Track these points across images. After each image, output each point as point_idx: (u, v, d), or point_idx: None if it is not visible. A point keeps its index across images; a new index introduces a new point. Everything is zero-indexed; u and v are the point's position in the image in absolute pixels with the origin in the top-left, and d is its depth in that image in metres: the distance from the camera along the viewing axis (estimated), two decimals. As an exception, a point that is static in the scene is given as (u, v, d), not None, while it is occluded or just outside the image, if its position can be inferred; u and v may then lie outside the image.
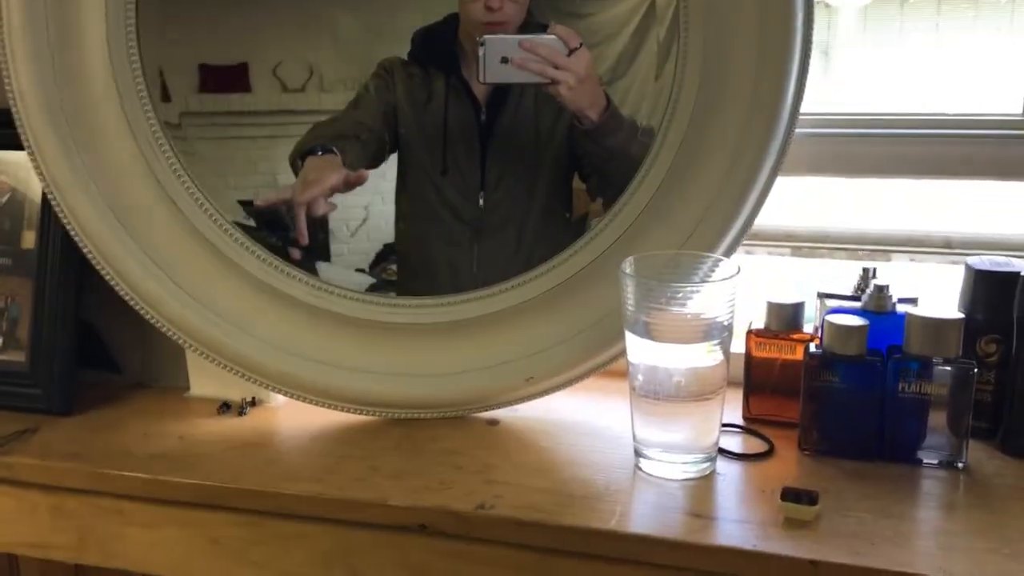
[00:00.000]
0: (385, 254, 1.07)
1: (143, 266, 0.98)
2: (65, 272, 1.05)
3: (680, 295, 0.85)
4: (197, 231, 0.99)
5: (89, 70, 0.97)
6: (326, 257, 1.05)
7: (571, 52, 0.93)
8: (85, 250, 0.98)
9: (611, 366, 0.99)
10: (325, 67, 1.02)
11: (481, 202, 1.02)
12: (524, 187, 1.03)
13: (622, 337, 0.93)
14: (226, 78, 1.03)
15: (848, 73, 1.09)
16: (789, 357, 0.96)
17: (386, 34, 1.02)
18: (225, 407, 1.06)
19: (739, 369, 0.99)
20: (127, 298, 0.99)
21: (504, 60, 0.93)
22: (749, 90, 0.91)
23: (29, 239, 1.07)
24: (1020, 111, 0.97)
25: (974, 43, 1.04)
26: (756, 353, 0.98)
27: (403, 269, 1.06)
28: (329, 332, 1.01)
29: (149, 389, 1.14)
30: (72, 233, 0.98)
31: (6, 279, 1.08)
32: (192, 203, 0.99)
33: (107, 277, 0.99)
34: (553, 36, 0.93)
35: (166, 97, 1.01)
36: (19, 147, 0.98)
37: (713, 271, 0.90)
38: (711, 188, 0.94)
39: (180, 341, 1.00)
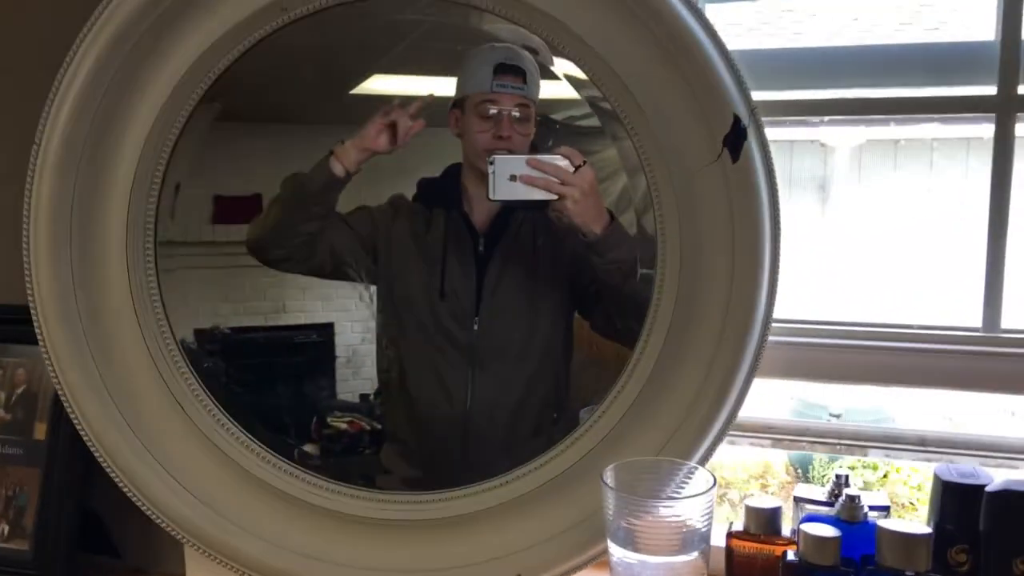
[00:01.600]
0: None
1: (147, 466, 1.03)
2: (72, 465, 1.10)
3: (659, 506, 0.89)
4: (203, 435, 1.04)
5: (107, 278, 1.04)
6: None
7: (576, 169, 0.99)
8: (92, 449, 1.03)
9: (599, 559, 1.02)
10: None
11: (475, 327, 1.06)
12: (521, 315, 1.07)
13: (604, 537, 0.96)
14: (240, 208, 1.08)
15: (843, 209, 1.13)
16: (769, 557, 0.99)
17: (391, 172, 1.07)
18: (220, 599, 1.09)
19: (719, 562, 1.01)
20: (130, 495, 1.03)
21: (512, 178, 0.98)
22: (722, 305, 0.97)
23: (40, 430, 1.12)
24: (980, 325, 1.03)
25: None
26: (737, 555, 1.00)
27: (390, 399, 1.09)
28: (322, 527, 1.04)
29: (147, 575, 1.16)
30: (80, 431, 1.03)
31: (15, 469, 1.12)
32: (200, 409, 1.04)
33: (113, 475, 1.03)
34: (559, 155, 0.99)
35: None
36: (35, 341, 1.04)
37: (690, 480, 0.93)
38: (690, 392, 0.99)
39: (179, 537, 1.04)
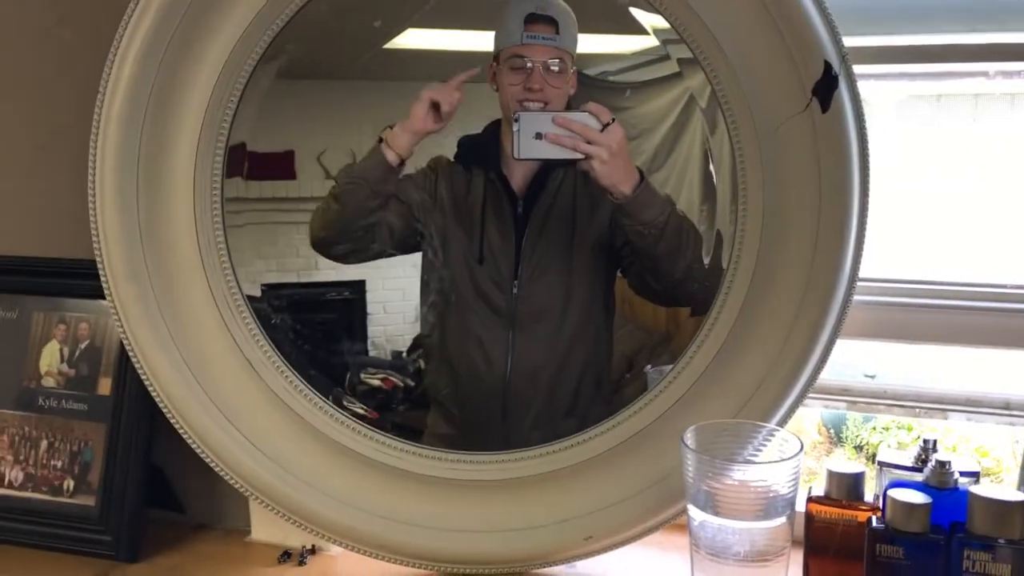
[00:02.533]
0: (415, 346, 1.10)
1: (215, 421, 1.01)
2: (138, 419, 1.09)
3: (742, 472, 0.86)
4: (270, 389, 1.02)
5: (175, 232, 1.02)
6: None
7: (604, 127, 0.95)
8: (159, 403, 1.02)
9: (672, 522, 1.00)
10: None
11: (515, 291, 1.04)
12: (560, 277, 1.04)
13: (681, 497, 0.94)
14: (272, 165, 1.07)
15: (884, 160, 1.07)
16: (851, 523, 0.96)
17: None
18: (285, 556, 1.08)
19: (798, 527, 0.98)
20: (198, 450, 1.02)
21: (538, 136, 0.95)
22: (806, 263, 0.94)
23: (105, 385, 1.11)
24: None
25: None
26: (817, 517, 0.98)
27: (431, 363, 1.09)
28: (391, 487, 1.03)
29: (212, 531, 1.16)
30: (148, 386, 1.02)
31: (81, 424, 1.11)
32: (268, 365, 1.03)
33: (180, 430, 1.02)
34: (586, 112, 0.95)
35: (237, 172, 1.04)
36: (100, 295, 1.03)
37: (776, 444, 0.90)
38: (770, 354, 0.96)
39: (245, 492, 1.03)
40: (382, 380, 1.09)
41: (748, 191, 0.95)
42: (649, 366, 1.05)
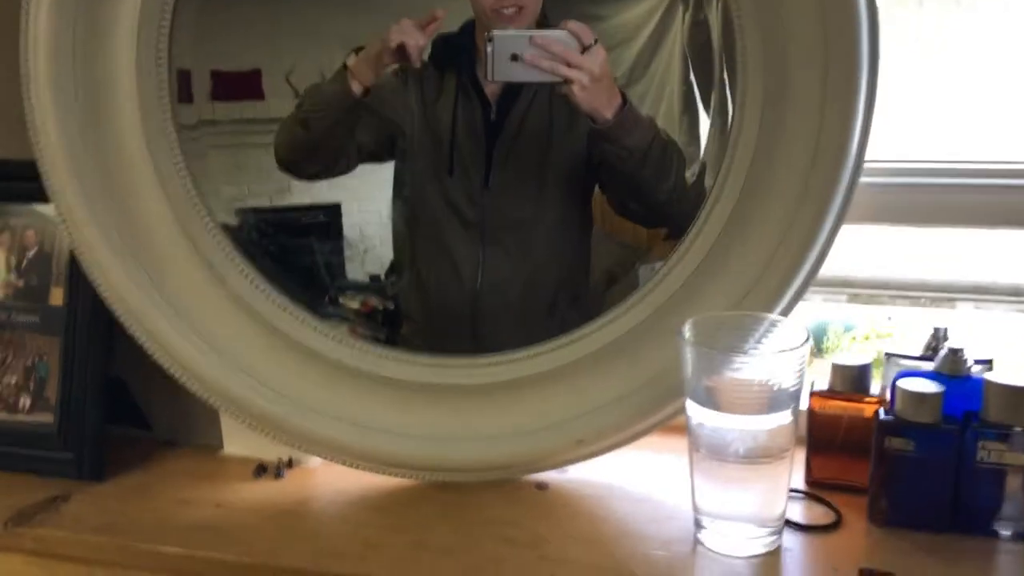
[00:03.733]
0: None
1: (177, 330, 0.94)
2: (95, 330, 1.01)
3: (744, 364, 0.80)
4: (233, 293, 0.95)
5: (119, 124, 0.93)
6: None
7: (585, 49, 0.87)
8: (116, 311, 0.95)
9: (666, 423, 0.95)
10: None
11: (485, 201, 0.99)
12: (532, 190, 0.99)
13: (677, 397, 0.89)
14: (239, 85, 1.03)
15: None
16: (856, 416, 0.91)
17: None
18: (261, 470, 1.02)
19: (801, 424, 0.94)
20: (161, 361, 0.95)
21: (514, 57, 0.88)
22: (812, 136, 0.87)
23: (57, 296, 1.03)
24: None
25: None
26: (820, 412, 0.93)
27: (402, 278, 1.05)
28: (367, 393, 0.97)
29: (181, 448, 1.10)
30: (102, 293, 0.94)
31: (33, 337, 1.04)
32: (231, 267, 0.95)
33: (139, 339, 0.95)
34: (565, 32, 0.87)
35: (186, 99, 0.99)
36: (45, 199, 0.95)
37: (778, 334, 0.85)
38: (771, 241, 0.89)
39: (214, 404, 0.96)
40: (360, 303, 1.07)
41: (747, 59, 0.87)
42: (640, 265, 0.99)
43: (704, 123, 0.98)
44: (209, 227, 0.96)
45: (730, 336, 0.86)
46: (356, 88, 0.95)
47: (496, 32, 0.88)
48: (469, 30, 0.97)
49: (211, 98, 1.02)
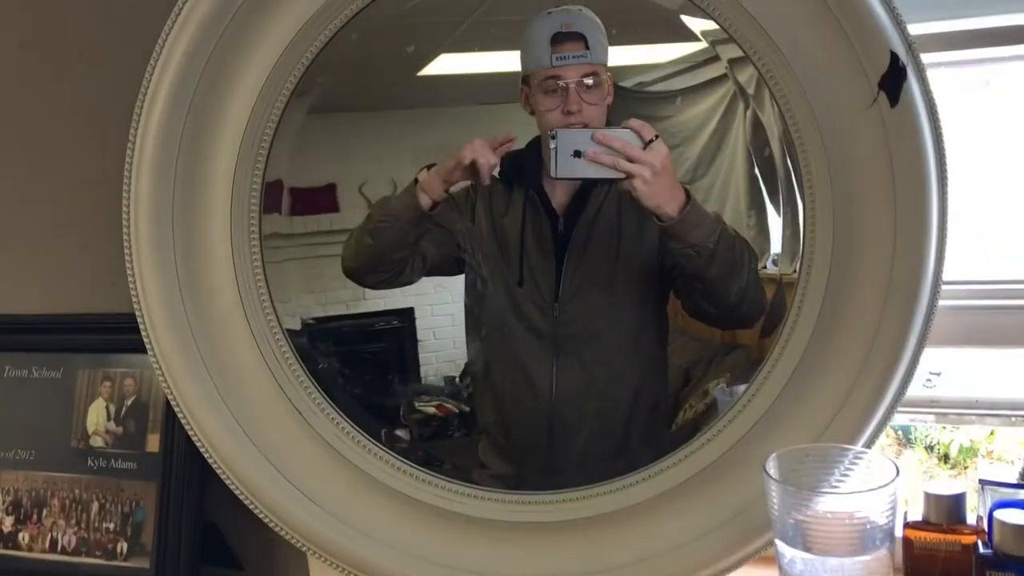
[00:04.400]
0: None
1: (266, 474, 0.97)
2: (189, 476, 1.05)
3: (834, 502, 0.79)
4: (320, 437, 0.98)
5: (213, 279, 0.99)
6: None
7: (646, 145, 0.89)
8: (209, 459, 0.98)
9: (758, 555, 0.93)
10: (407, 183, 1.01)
11: (556, 313, 0.99)
12: (604, 299, 0.99)
13: (763, 531, 0.87)
14: (315, 199, 1.06)
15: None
16: (954, 548, 0.88)
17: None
18: (350, 610, 1.03)
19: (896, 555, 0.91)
20: (250, 505, 0.98)
21: (577, 154, 0.89)
22: (885, 268, 0.87)
23: (153, 442, 1.08)
24: None
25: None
26: (916, 545, 0.90)
27: (477, 391, 1.05)
28: (453, 533, 0.97)
29: (272, 588, 1.11)
30: (195, 440, 0.98)
31: (131, 483, 1.08)
32: (317, 411, 0.99)
33: (231, 485, 0.98)
34: (627, 128, 0.89)
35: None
36: (142, 350, 0.99)
37: (867, 467, 0.83)
38: (852, 368, 0.89)
39: (302, 547, 0.98)
40: (436, 407, 1.08)
41: (816, 196, 0.88)
42: (721, 385, 0.99)
43: (771, 215, 0.98)
44: (293, 367, 0.99)
45: (816, 470, 0.84)
46: (424, 201, 0.98)
47: (560, 129, 0.90)
48: (536, 147, 0.99)
49: (288, 213, 1.05)
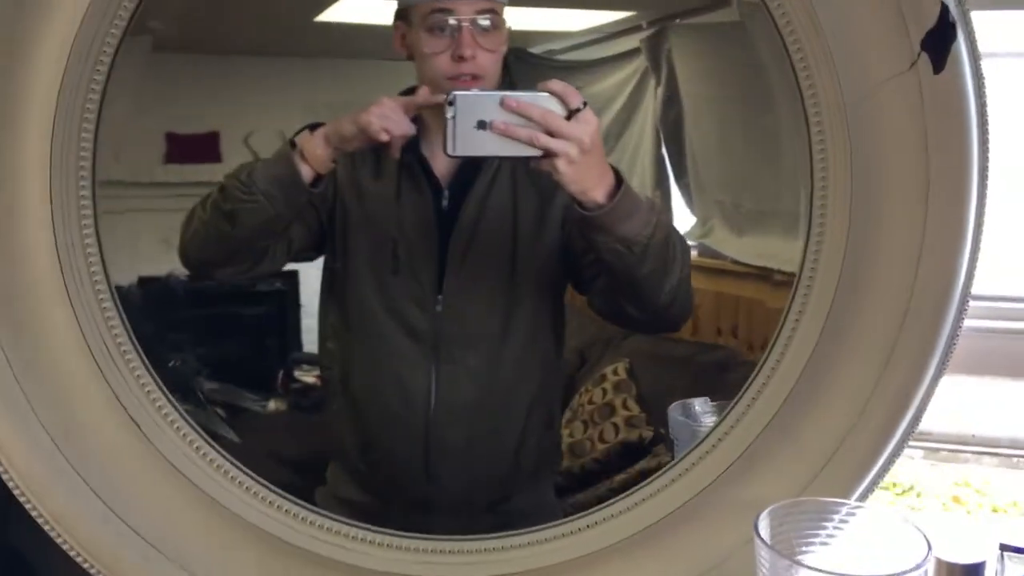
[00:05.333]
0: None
1: (83, 501, 0.73)
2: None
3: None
4: (161, 455, 0.74)
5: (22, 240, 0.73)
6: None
7: (571, 114, 0.68)
8: (8, 482, 0.73)
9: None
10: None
11: (439, 308, 0.81)
12: (497, 294, 0.82)
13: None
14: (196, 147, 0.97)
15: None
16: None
17: (337, 107, 0.83)
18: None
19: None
20: (64, 546, 0.73)
21: (481, 125, 0.67)
22: (908, 274, 0.70)
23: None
24: None
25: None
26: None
27: (332, 404, 0.87)
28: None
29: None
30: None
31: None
32: (158, 418, 0.75)
33: (37, 517, 0.73)
34: (546, 93, 0.67)
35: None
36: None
37: (887, 534, 0.65)
38: (858, 396, 0.73)
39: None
40: (317, 377, 0.97)
41: (830, 178, 0.71)
42: (702, 401, 0.83)
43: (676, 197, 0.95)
44: (130, 360, 0.74)
45: (811, 527, 0.66)
46: (306, 173, 0.75)
47: (458, 92, 0.67)
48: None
49: (164, 161, 0.95)
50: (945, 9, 0.66)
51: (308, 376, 0.97)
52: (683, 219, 1.05)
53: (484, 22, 0.75)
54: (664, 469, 0.75)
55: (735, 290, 1.28)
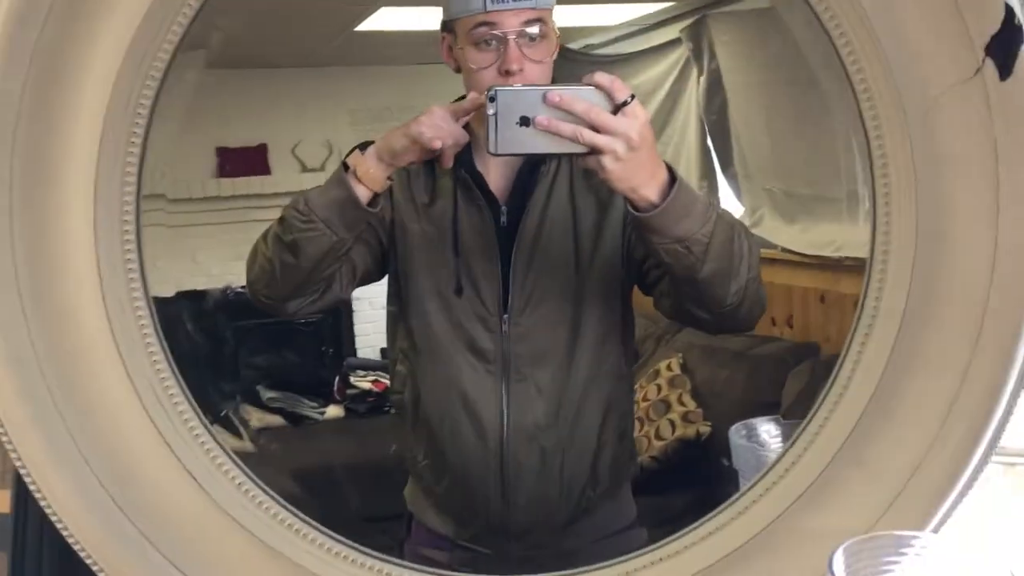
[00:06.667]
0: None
1: (142, 556, 0.72)
2: (47, 547, 0.80)
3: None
4: (223, 511, 0.73)
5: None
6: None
7: (618, 108, 0.64)
8: (65, 533, 0.72)
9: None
10: (344, 146, 0.80)
11: (505, 328, 0.78)
12: (564, 309, 0.79)
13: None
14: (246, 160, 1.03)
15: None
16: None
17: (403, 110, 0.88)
18: None
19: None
20: None
21: (524, 122, 0.64)
22: (981, 291, 0.67)
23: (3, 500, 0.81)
24: None
25: None
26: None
27: (404, 426, 0.84)
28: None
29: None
30: (45, 508, 0.72)
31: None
32: (218, 474, 0.73)
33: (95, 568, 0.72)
34: (591, 87, 0.64)
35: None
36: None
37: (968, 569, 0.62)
38: (932, 417, 0.69)
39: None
40: (372, 382, 1.02)
41: (892, 195, 0.69)
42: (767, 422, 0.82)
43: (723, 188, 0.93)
44: (184, 414, 0.72)
45: (887, 561, 0.63)
46: (363, 193, 0.73)
47: (499, 88, 0.64)
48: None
49: (216, 175, 1.02)
50: (1011, 12, 0.62)
51: (364, 381, 0.99)
52: (732, 210, 1.01)
53: (532, 31, 0.73)
54: (730, 501, 0.72)
55: (787, 279, 1.25)
